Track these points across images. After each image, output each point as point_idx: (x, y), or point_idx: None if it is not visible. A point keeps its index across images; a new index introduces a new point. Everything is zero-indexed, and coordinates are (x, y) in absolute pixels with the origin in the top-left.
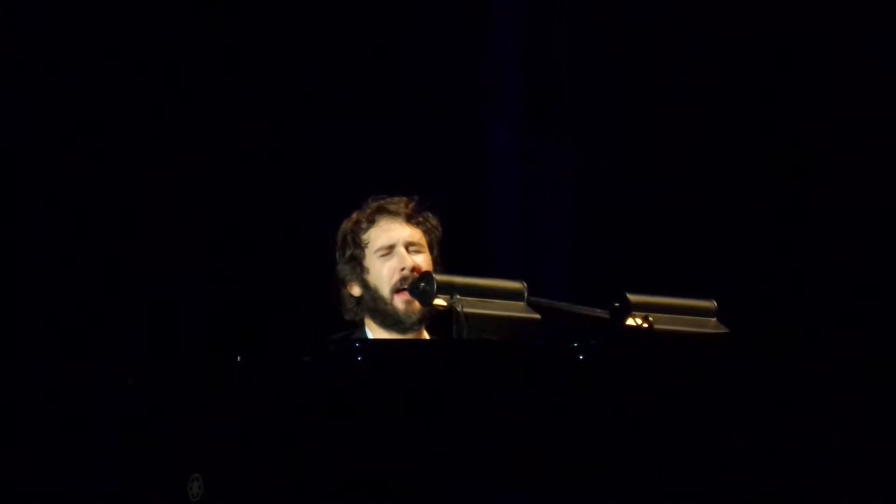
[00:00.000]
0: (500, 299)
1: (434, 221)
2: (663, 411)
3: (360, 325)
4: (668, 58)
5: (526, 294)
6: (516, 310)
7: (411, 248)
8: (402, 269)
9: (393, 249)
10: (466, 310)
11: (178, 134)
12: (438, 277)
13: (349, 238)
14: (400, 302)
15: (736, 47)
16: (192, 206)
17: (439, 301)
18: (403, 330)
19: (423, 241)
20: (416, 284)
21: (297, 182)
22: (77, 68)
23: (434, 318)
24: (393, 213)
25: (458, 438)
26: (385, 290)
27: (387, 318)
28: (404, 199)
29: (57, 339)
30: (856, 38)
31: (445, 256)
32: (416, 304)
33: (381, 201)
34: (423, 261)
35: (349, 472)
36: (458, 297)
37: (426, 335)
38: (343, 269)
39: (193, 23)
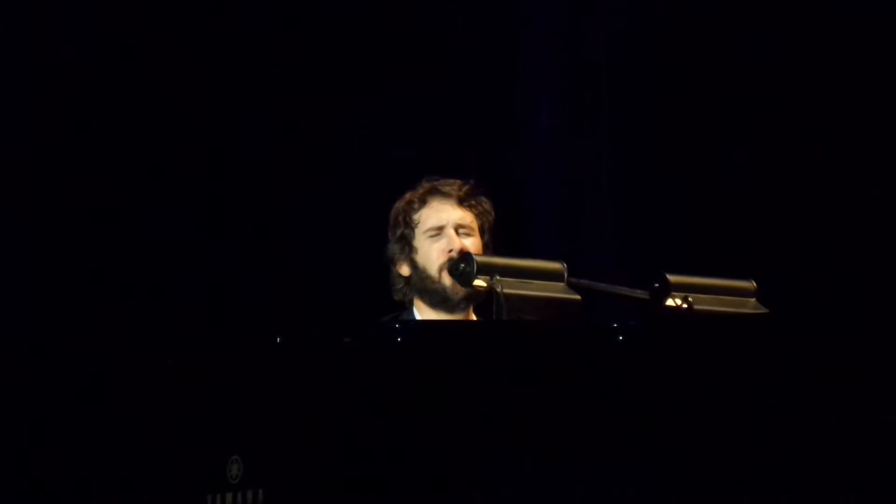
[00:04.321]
0: (540, 280)
1: (487, 206)
2: (703, 392)
3: (409, 306)
4: (705, 42)
5: (566, 275)
6: (556, 290)
7: (461, 231)
8: (450, 250)
9: (442, 231)
10: (506, 291)
11: (219, 114)
12: (478, 258)
13: (401, 218)
14: (447, 278)
15: (772, 33)
16: (232, 186)
17: (479, 282)
18: (450, 308)
19: (474, 225)
20: (456, 265)
21: (336, 168)
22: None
23: (475, 299)
24: (445, 195)
25: (497, 419)
26: (433, 270)
27: (434, 296)
28: (458, 181)
29: (94, 321)
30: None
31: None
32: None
33: (435, 182)
34: (471, 244)
35: (388, 452)
36: (497, 277)
37: (474, 316)
38: (393, 248)
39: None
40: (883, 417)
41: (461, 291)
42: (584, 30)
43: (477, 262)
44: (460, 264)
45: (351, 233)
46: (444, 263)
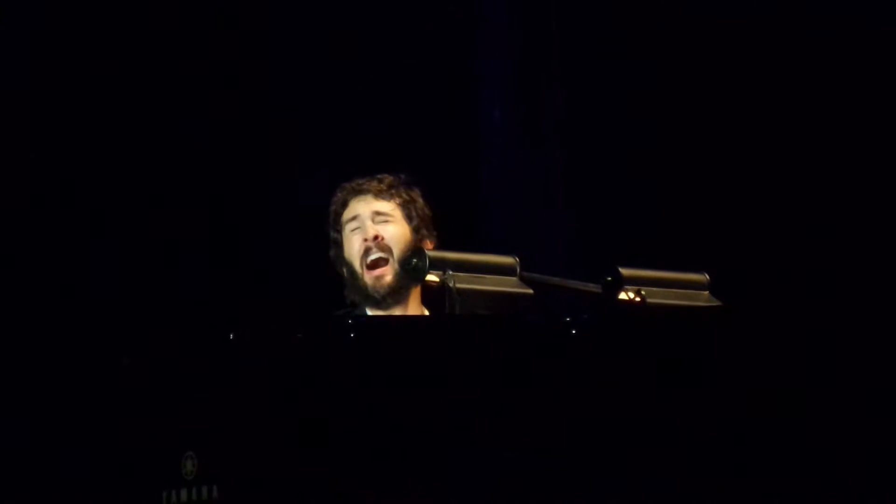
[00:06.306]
0: (493, 275)
1: (412, 194)
2: (655, 385)
3: (360, 304)
4: (662, 33)
5: (518, 269)
6: (509, 285)
7: (378, 219)
8: (365, 239)
9: (359, 223)
10: (459, 285)
11: (173, 111)
12: (430, 253)
13: (331, 221)
14: (369, 277)
15: (732, 25)
16: (189, 183)
17: (431, 277)
18: (377, 303)
19: (397, 213)
20: (408, 261)
21: (290, 164)
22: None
23: (428, 294)
24: (362, 192)
25: (452, 413)
26: (356, 265)
27: (360, 292)
28: (378, 176)
29: (54, 320)
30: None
31: (439, 234)
32: (385, 280)
33: (354, 183)
34: (390, 230)
35: (343, 447)
36: (450, 272)
37: (424, 310)
38: (332, 252)
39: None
40: (833, 410)
41: (383, 290)
42: (538, 22)
43: (429, 258)
44: (412, 259)
45: (304, 230)
46: (362, 254)
